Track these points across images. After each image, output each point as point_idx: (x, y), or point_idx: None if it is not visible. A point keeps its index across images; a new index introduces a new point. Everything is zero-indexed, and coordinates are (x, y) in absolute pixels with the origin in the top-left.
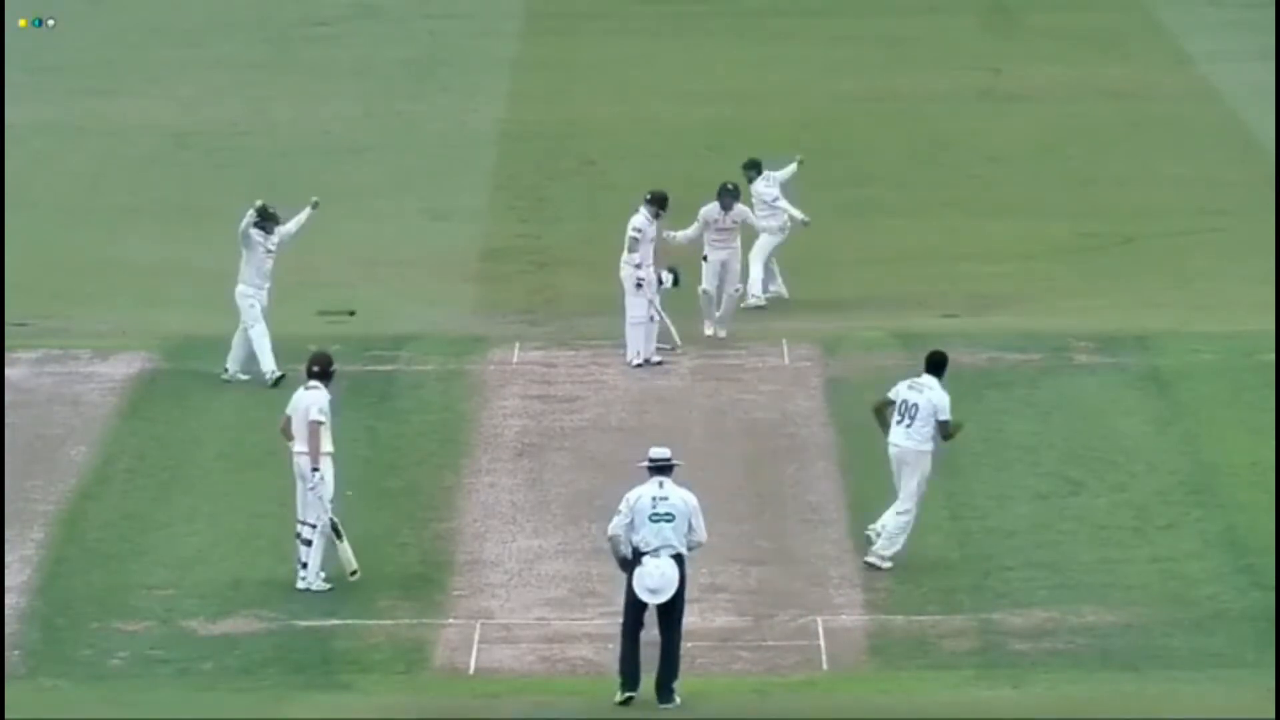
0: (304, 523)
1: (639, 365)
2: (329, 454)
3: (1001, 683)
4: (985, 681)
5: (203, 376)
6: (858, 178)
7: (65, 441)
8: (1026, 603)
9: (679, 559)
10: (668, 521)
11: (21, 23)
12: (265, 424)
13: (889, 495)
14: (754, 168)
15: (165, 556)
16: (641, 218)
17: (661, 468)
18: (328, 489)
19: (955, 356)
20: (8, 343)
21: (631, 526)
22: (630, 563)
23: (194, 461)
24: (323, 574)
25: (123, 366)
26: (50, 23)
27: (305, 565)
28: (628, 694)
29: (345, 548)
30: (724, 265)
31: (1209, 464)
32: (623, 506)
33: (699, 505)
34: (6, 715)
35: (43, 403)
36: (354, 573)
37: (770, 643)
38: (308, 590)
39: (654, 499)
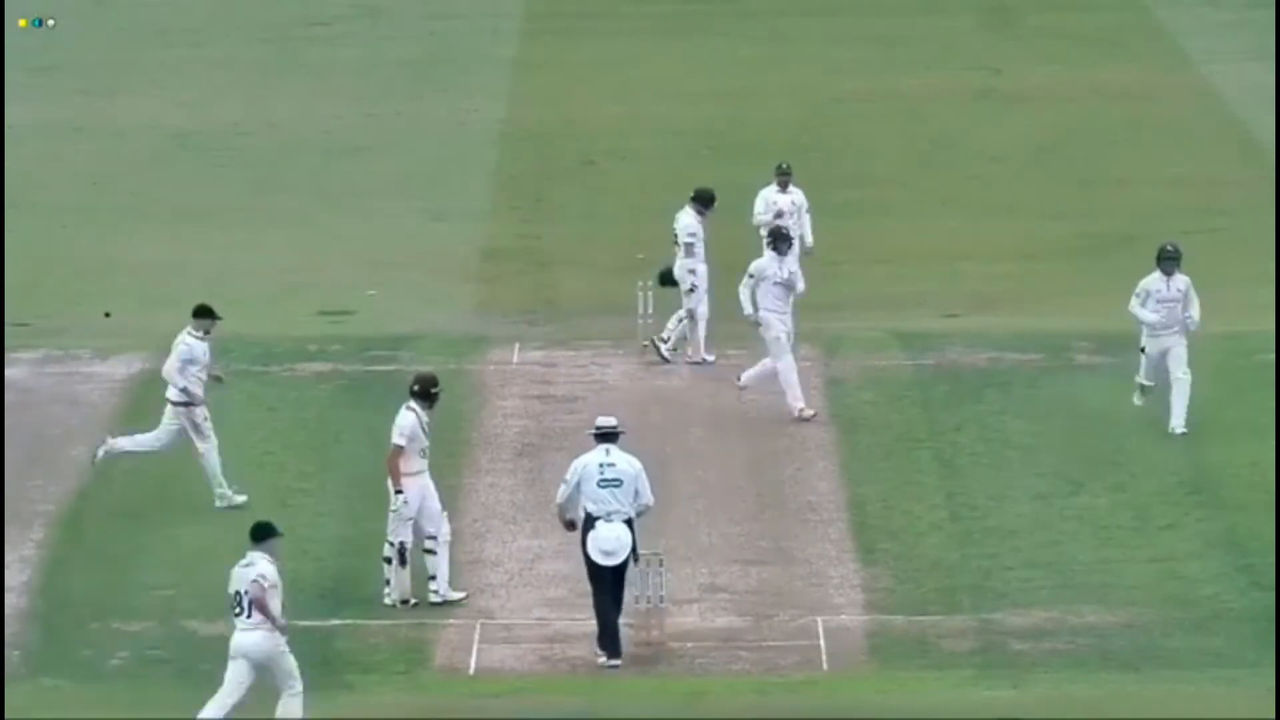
0: (390, 542)
1: (698, 363)
2: (414, 475)
3: (1001, 683)
4: (985, 681)
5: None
6: (858, 178)
7: (65, 441)
8: (1026, 603)
9: (629, 524)
10: (616, 486)
11: (21, 23)
12: (265, 424)
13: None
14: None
15: (165, 556)
16: (694, 221)
17: (607, 435)
18: (409, 510)
19: (955, 357)
20: (8, 343)
21: (579, 490)
22: (574, 525)
23: (194, 461)
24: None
25: (123, 366)
26: (50, 23)
27: (432, 577)
28: (613, 662)
29: (405, 575)
30: (1164, 353)
31: (1209, 464)
32: (569, 475)
33: (644, 470)
34: (6, 715)
35: (43, 403)
36: (404, 601)
37: (770, 643)
38: (444, 602)
39: (601, 465)
